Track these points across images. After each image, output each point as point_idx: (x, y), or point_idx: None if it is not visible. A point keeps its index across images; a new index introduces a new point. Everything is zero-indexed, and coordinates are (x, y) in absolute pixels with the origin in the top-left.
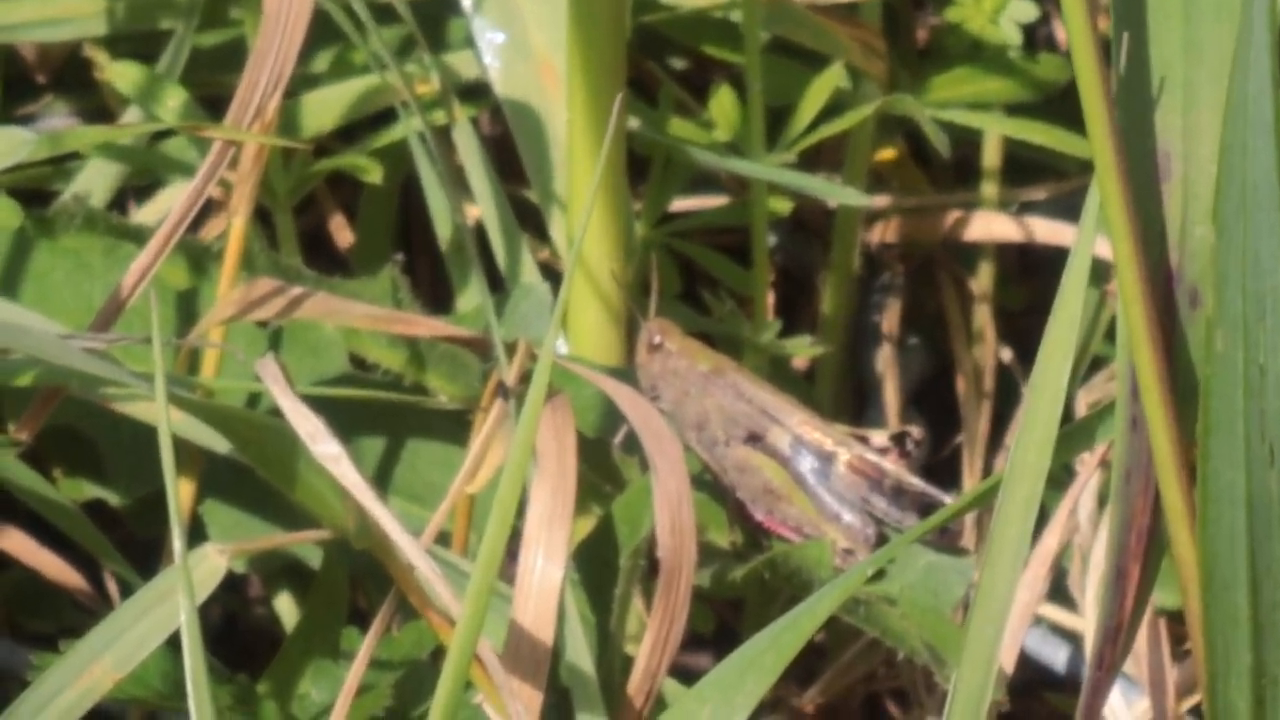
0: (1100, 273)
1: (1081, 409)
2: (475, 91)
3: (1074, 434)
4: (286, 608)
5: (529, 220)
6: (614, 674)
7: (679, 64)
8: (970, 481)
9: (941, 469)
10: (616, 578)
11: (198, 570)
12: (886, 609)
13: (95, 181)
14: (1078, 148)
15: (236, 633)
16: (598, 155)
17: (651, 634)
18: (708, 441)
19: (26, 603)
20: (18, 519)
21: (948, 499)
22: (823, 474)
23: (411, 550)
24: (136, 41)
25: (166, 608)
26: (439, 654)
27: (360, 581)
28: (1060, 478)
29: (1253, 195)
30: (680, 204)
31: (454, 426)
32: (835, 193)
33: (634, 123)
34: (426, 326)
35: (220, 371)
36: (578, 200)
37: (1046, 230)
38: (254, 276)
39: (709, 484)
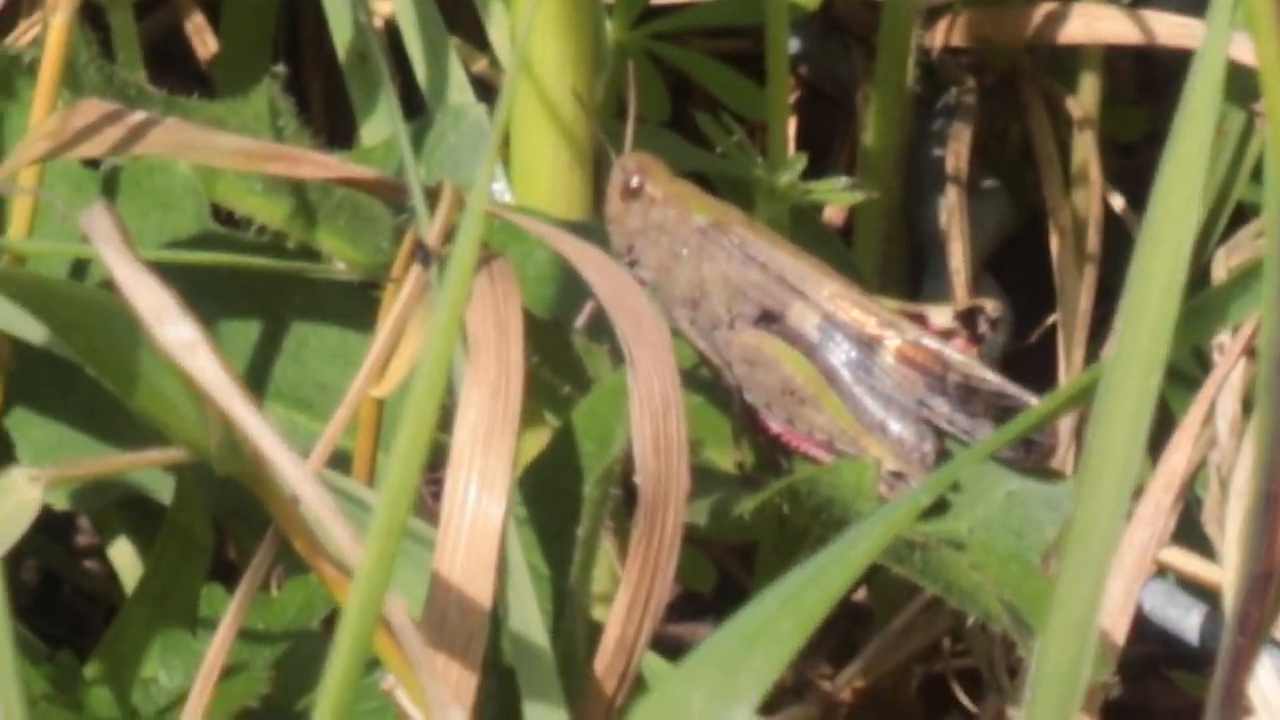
0: (1246, 86)
1: (1220, 275)
2: None
3: (1207, 308)
4: (126, 561)
5: (460, 18)
6: (576, 648)
7: None
8: (1068, 377)
9: (1029, 359)
10: (578, 514)
11: (1, 505)
12: (952, 556)
13: None
14: None
15: (59, 597)
16: None
17: (627, 592)
18: (705, 323)
19: None
20: None
21: (1034, 401)
22: (864, 367)
23: (296, 476)
24: None
25: None
26: (335, 621)
27: (226, 522)
28: (1191, 371)
29: None
30: None
31: (355, 305)
32: None
33: None
34: (318, 165)
35: (35, 230)
36: None
37: (1172, 29)
38: (80, 97)
39: (707, 383)
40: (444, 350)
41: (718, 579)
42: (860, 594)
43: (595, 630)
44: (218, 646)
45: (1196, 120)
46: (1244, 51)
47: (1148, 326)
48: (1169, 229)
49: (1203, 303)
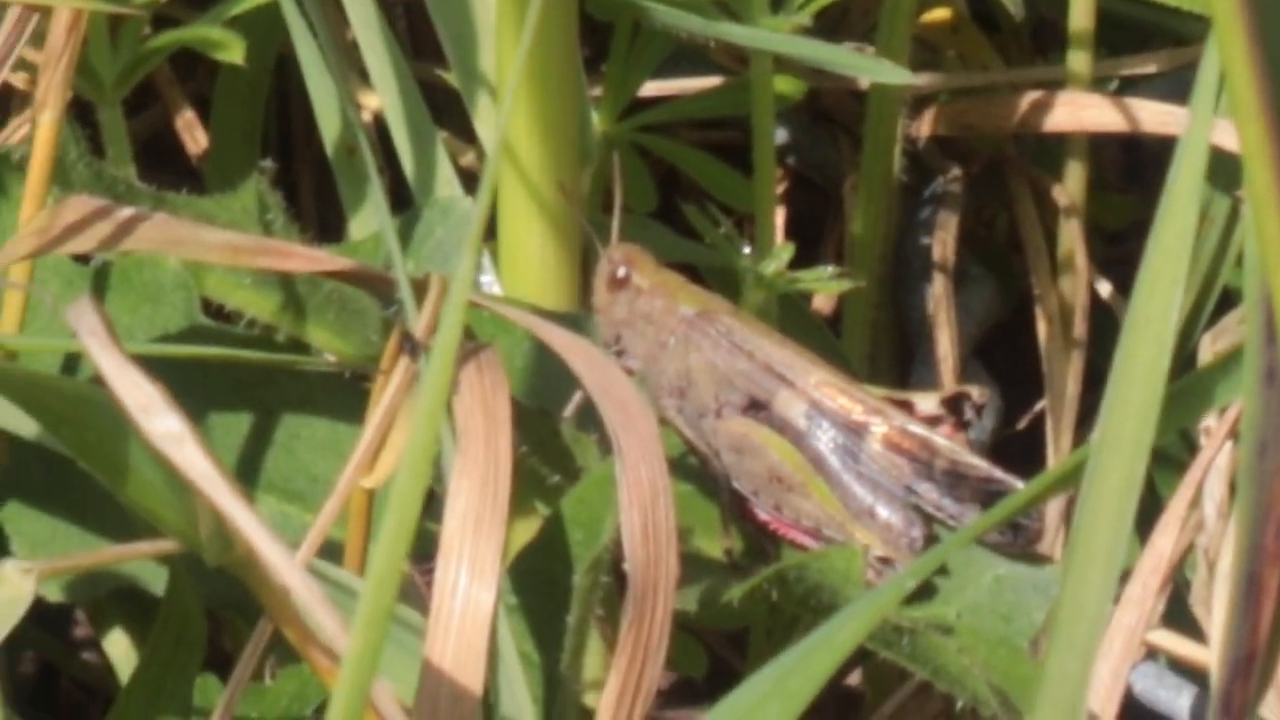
0: (1231, 172)
1: (1207, 359)
2: None
3: (1192, 391)
4: (122, 651)
5: (447, 113)
6: None
7: None
8: (1056, 463)
9: (1017, 445)
10: (568, 602)
11: None
12: (940, 640)
13: None
14: (1196, 1)
15: (57, 688)
16: (534, 19)
17: (618, 679)
18: (692, 411)
19: None
20: None
21: (1021, 485)
22: (851, 453)
23: (287, 568)
24: None
25: None
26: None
27: (220, 612)
28: (1178, 454)
29: None
30: (655, 87)
31: (346, 397)
32: (867, 68)
33: None
34: (306, 259)
35: (25, 325)
36: (509, 80)
37: (1157, 116)
38: (69, 194)
39: (695, 471)
40: (428, 438)
41: (710, 664)
42: (854, 678)
43: (587, 717)
44: None
45: (1180, 207)
46: (1228, 138)
47: (1133, 410)
48: (1154, 313)
49: (1188, 386)
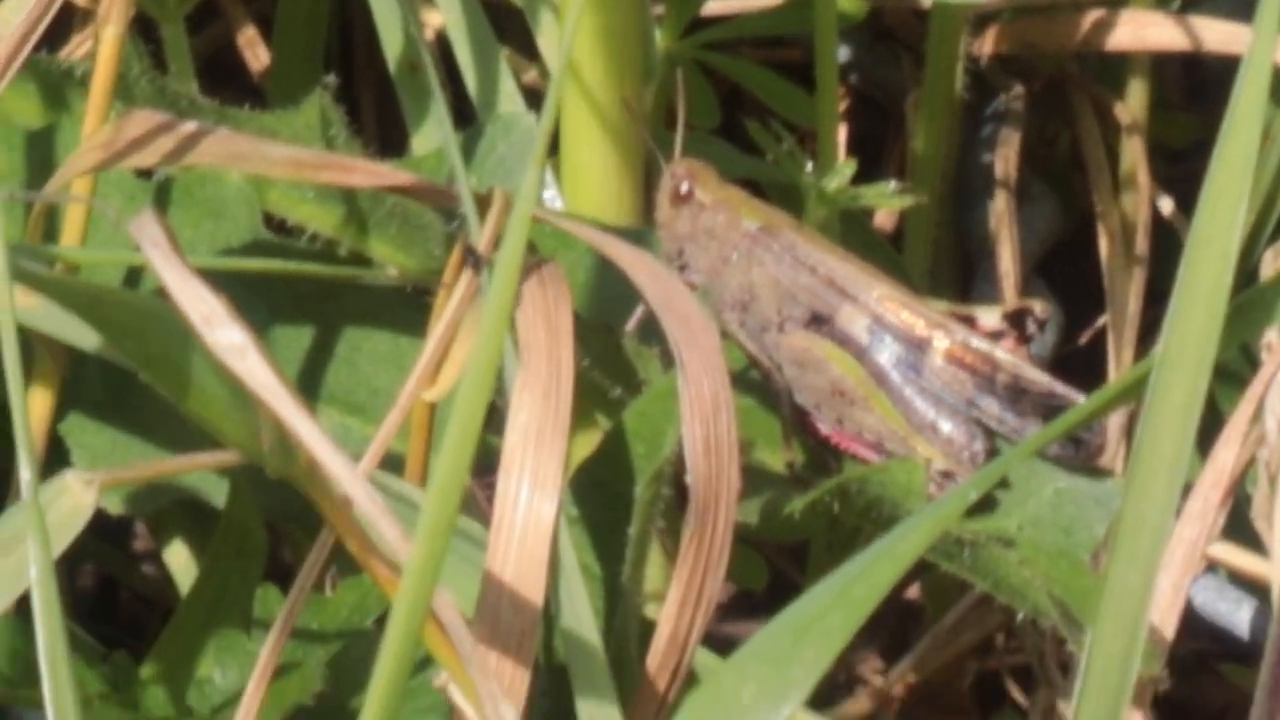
0: None
1: (1269, 275)
2: None
3: (1254, 306)
4: (182, 563)
5: (510, 29)
6: (629, 645)
7: None
8: (1118, 378)
9: (1078, 362)
10: (630, 514)
11: (55, 508)
12: (1001, 553)
13: None
14: None
15: (116, 600)
16: None
17: (679, 590)
18: (755, 326)
19: None
20: None
21: (1083, 399)
22: (913, 368)
23: (349, 479)
24: None
25: (12, 560)
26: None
27: (280, 524)
28: (1239, 369)
29: None
30: (718, 5)
31: (408, 310)
32: None
33: None
34: (369, 174)
35: (88, 239)
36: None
37: (1220, 35)
38: (132, 108)
39: (757, 384)
40: (491, 350)
41: (771, 577)
42: (913, 591)
43: (648, 628)
44: (271, 646)
45: (1243, 126)
46: None
47: (1196, 325)
48: (1216, 231)
49: (1250, 301)
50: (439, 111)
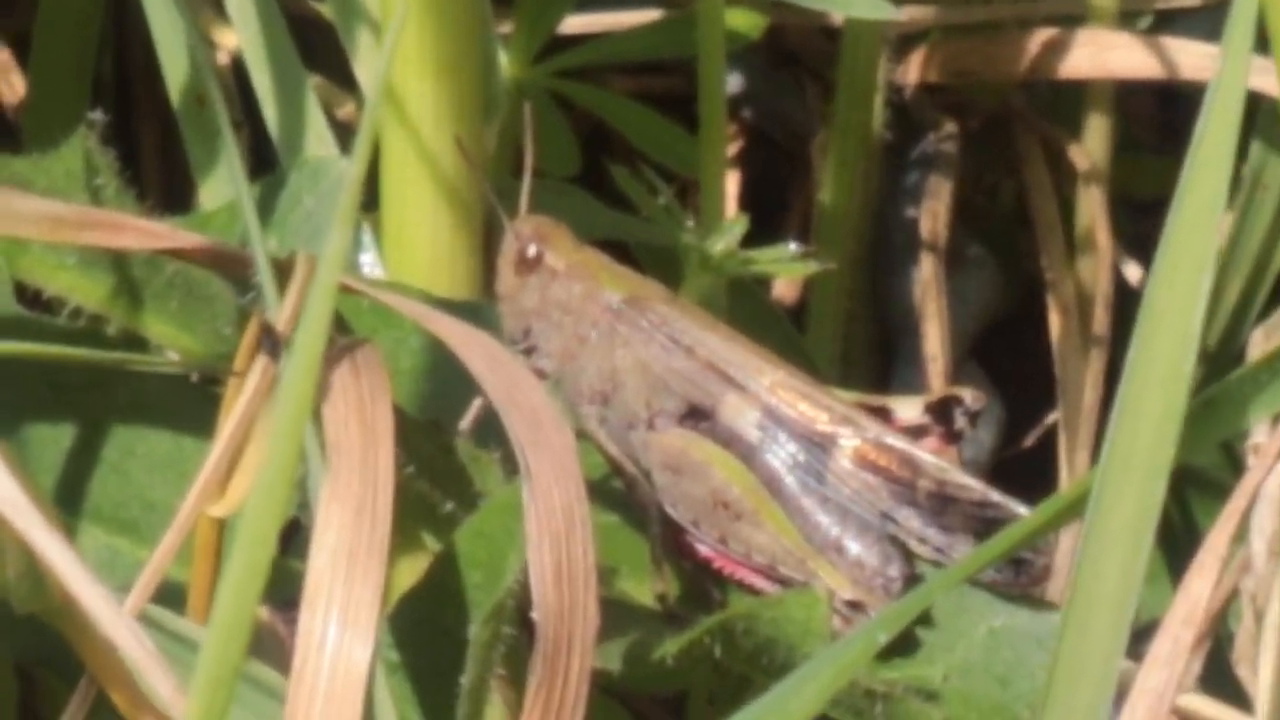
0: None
1: (1257, 358)
2: None
3: (1237, 397)
4: None
5: (321, 51)
6: None
7: None
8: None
9: (1022, 466)
10: (463, 658)
11: None
12: (922, 708)
13: None
14: None
15: None
16: None
17: None
18: (619, 422)
19: None
20: None
21: (1024, 512)
22: (814, 473)
23: (112, 617)
24: None
25: None
26: None
27: (33, 671)
28: (1220, 476)
29: None
30: (579, 22)
31: (191, 404)
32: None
33: None
34: (144, 234)
35: None
36: (396, 11)
37: (1198, 59)
38: None
39: (620, 497)
40: (289, 454)
41: None
42: None
43: None
44: None
45: (1209, 168)
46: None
47: (1148, 422)
48: (1174, 302)
49: (1231, 390)
50: (231, 155)
